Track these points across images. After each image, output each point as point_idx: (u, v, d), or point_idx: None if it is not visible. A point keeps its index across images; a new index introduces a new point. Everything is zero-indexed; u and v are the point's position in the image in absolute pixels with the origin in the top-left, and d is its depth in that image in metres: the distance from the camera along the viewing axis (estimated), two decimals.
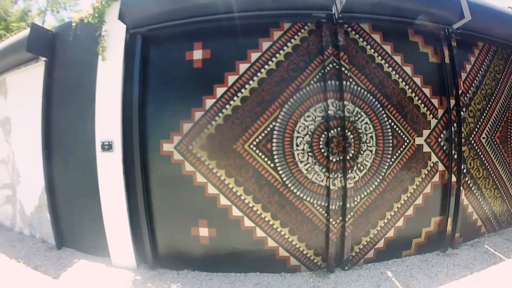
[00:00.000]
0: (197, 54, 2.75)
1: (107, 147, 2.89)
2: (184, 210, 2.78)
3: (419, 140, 2.88)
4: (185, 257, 2.85)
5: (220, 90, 2.68)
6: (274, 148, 2.66)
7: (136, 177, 2.80)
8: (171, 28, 2.81)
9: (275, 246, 2.74)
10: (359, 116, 2.74)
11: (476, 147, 3.06)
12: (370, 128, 2.77)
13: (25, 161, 3.71)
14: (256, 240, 2.73)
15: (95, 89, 2.99)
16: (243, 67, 2.68)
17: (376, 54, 2.82)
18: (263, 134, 2.65)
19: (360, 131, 2.73)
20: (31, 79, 3.60)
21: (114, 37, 2.96)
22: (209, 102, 2.68)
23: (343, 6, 2.58)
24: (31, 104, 3.55)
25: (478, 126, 3.07)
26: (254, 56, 2.69)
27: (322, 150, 2.69)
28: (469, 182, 3.02)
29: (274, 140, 2.65)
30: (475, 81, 3.05)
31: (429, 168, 2.90)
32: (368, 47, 2.81)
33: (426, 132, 2.89)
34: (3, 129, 3.96)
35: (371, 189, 2.79)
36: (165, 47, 2.87)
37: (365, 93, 2.77)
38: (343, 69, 2.66)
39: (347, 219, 2.68)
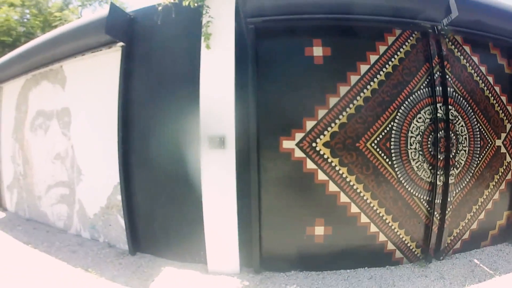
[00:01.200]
0: (317, 51, 2.76)
1: (218, 143, 2.70)
2: (300, 210, 2.76)
3: (498, 142, 3.26)
4: (293, 258, 2.81)
5: (343, 89, 2.72)
6: (392, 147, 2.79)
7: (251, 177, 2.68)
8: (287, 22, 2.78)
9: (384, 240, 2.87)
10: (457, 119, 3.01)
11: None
12: (464, 131, 3.06)
13: (89, 157, 3.28)
14: (369, 235, 2.82)
15: (196, 78, 2.76)
16: (363, 68, 2.77)
17: (467, 64, 3.13)
18: (383, 133, 2.77)
19: (457, 132, 3.01)
20: (100, 67, 3.22)
21: (221, 25, 2.78)
22: (332, 100, 2.71)
23: (450, 21, 2.84)
24: (100, 94, 3.17)
25: None
26: (372, 58, 2.79)
27: (430, 149, 2.91)
28: None
29: (392, 139, 2.79)
30: None
31: (504, 167, 3.31)
32: (461, 57, 3.11)
33: (503, 135, 3.29)
34: (60, 121, 3.45)
35: (464, 184, 3.08)
36: (280, 40, 2.82)
37: (461, 98, 3.06)
38: (447, 76, 2.90)
39: (447, 212, 2.92)
